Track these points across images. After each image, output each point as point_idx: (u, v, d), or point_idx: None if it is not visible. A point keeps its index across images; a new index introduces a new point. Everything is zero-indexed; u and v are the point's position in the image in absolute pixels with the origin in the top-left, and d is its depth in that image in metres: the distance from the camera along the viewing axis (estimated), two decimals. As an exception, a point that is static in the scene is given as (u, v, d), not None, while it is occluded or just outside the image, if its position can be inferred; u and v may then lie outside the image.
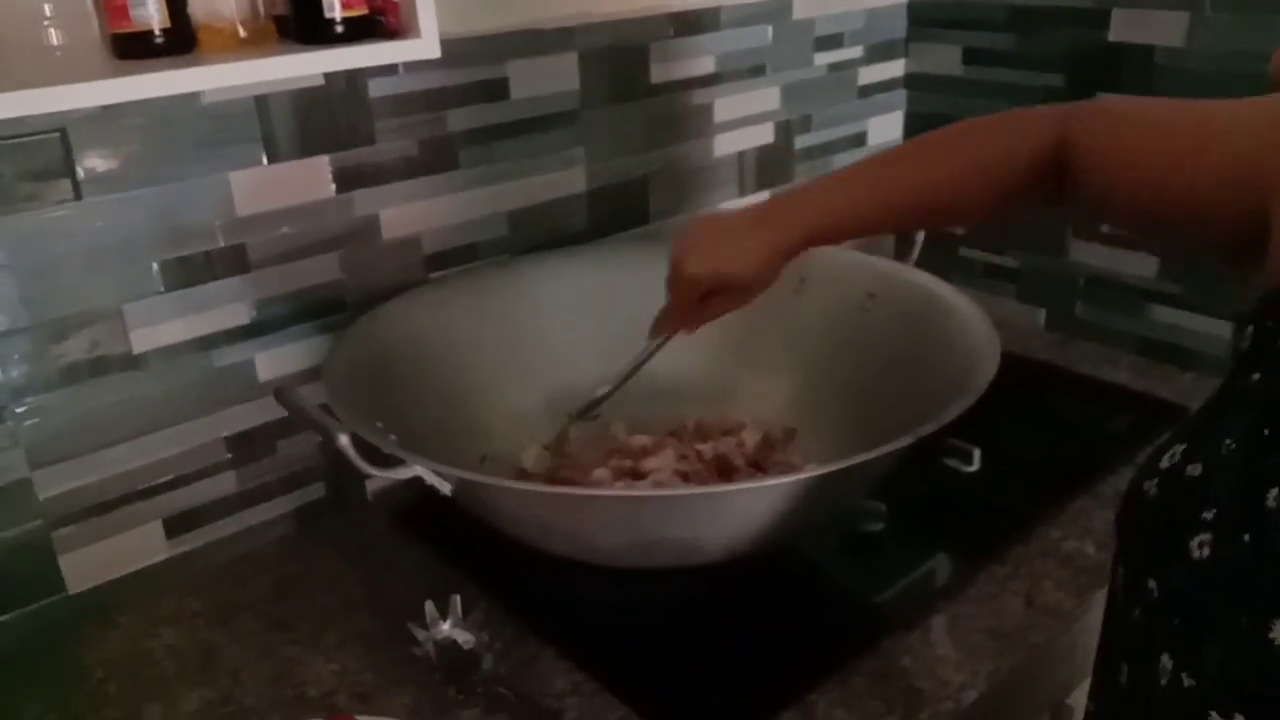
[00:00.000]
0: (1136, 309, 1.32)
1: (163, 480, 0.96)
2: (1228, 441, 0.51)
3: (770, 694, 0.80)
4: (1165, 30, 1.19)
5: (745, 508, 0.76)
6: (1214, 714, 0.48)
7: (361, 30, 0.85)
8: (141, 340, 0.91)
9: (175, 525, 0.97)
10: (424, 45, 0.85)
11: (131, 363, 0.91)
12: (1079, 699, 0.96)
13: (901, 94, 1.49)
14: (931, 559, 0.98)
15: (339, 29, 0.84)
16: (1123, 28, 1.23)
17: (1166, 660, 0.51)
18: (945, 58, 1.43)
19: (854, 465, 0.72)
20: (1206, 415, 0.55)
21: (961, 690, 0.81)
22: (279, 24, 0.87)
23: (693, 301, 0.85)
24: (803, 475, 0.72)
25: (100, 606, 0.94)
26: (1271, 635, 0.45)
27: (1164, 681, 0.51)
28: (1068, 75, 1.30)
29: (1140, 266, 1.30)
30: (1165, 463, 0.54)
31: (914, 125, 1.51)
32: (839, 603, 0.93)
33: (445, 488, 0.76)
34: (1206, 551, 0.49)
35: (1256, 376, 0.53)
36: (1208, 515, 0.50)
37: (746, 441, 1.02)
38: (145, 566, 0.97)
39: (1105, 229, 1.31)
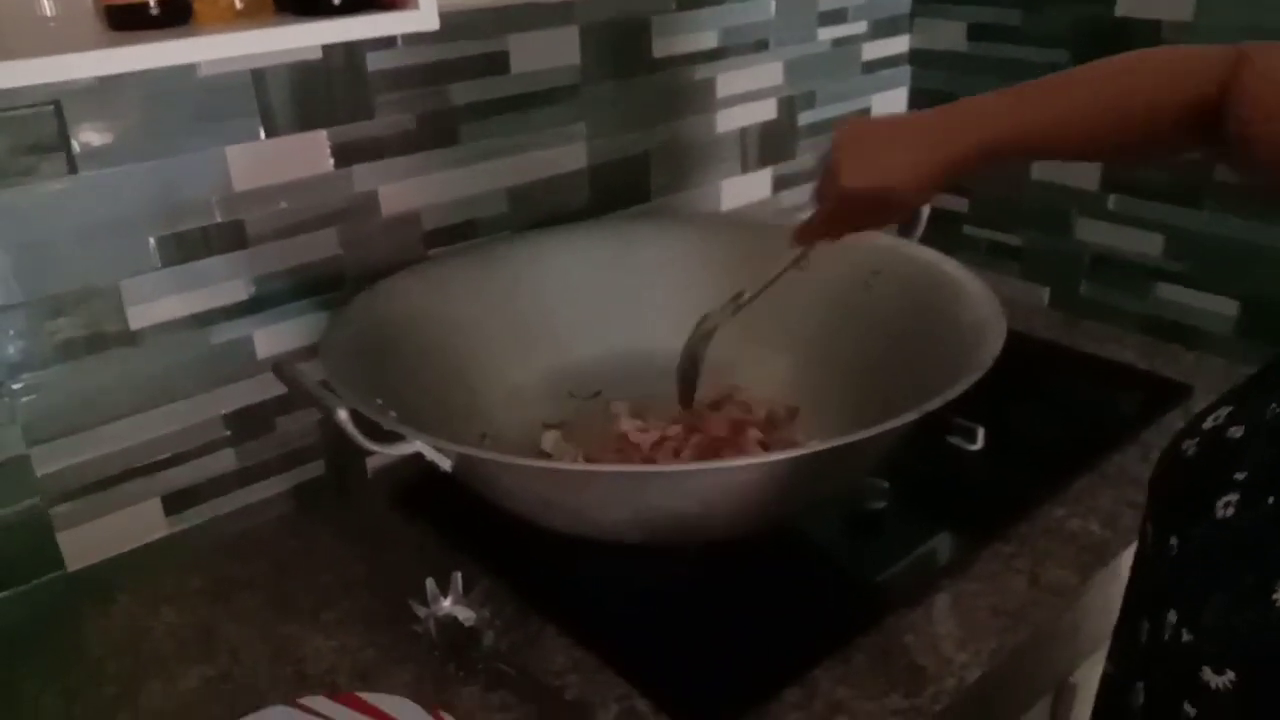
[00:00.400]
0: (1142, 288, 1.31)
1: (161, 458, 0.95)
2: (1274, 406, 0.51)
3: (773, 671, 0.80)
4: (1173, 4, 1.18)
5: (749, 483, 0.76)
6: (1206, 669, 0.49)
7: (358, 2, 0.84)
8: (139, 316, 0.90)
9: (174, 503, 0.97)
10: (422, 17, 0.84)
11: (129, 339, 0.90)
12: (1082, 676, 0.96)
13: (906, 70, 1.48)
14: (935, 537, 0.97)
15: (336, 1, 0.83)
16: (1130, 2, 1.22)
17: (1172, 615, 0.52)
18: (950, 33, 1.42)
19: (858, 441, 0.71)
20: (1258, 379, 0.55)
21: (965, 668, 0.80)
22: (275, -3, 0.86)
23: (844, 215, 0.79)
24: (807, 450, 0.72)
25: (99, 584, 0.93)
26: (1275, 596, 0.46)
27: (1166, 636, 0.52)
28: (1074, 51, 1.29)
29: (1145, 245, 1.29)
30: (1209, 424, 0.54)
31: (917, 101, 1.49)
32: (842, 580, 0.92)
33: (445, 464, 0.75)
34: (1231, 511, 0.50)
35: None
36: (1239, 476, 0.50)
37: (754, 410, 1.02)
38: (144, 544, 0.96)
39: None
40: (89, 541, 0.93)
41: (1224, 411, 0.55)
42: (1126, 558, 0.94)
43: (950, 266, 0.97)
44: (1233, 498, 0.50)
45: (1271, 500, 0.48)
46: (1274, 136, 0.62)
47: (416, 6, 0.84)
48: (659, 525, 0.78)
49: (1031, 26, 1.32)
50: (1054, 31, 1.30)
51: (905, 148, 0.75)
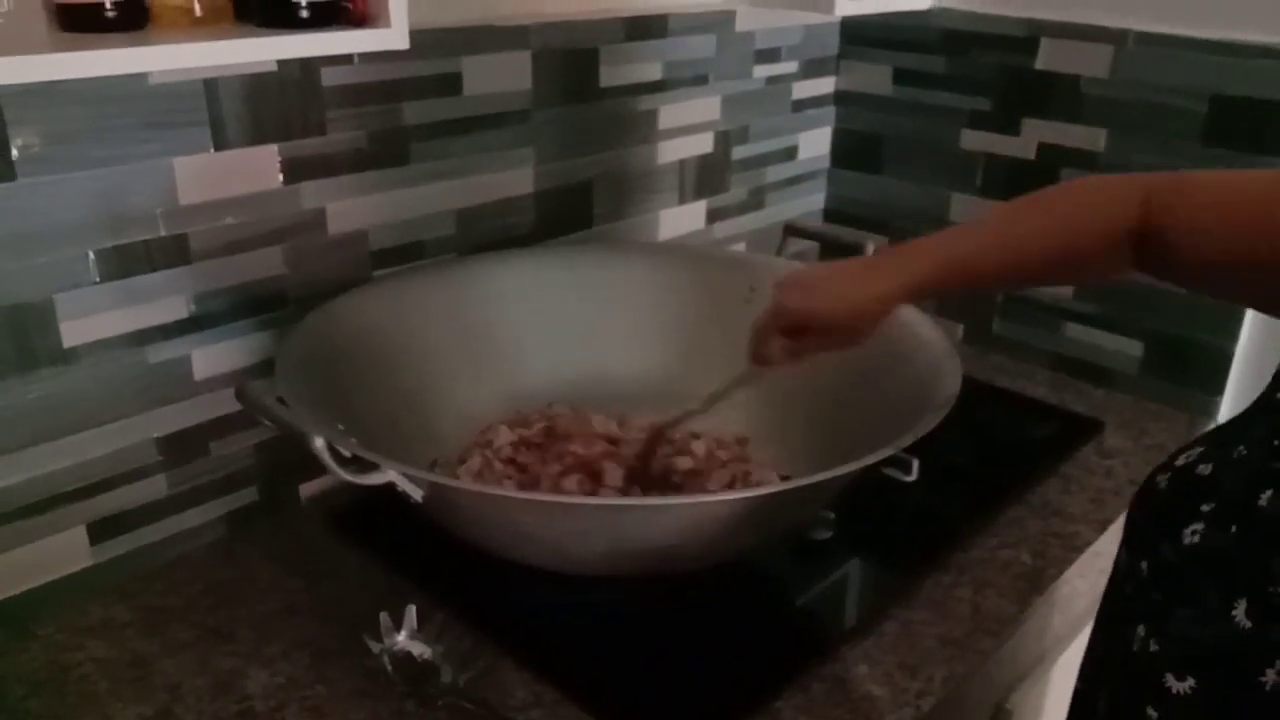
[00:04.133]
0: (1052, 325, 1.38)
1: (89, 483, 0.90)
2: (1241, 448, 0.57)
3: (734, 702, 0.80)
4: (1090, 61, 1.25)
5: (728, 516, 0.76)
6: (1170, 676, 0.54)
7: (326, 16, 0.81)
8: (73, 333, 0.85)
9: (99, 531, 0.92)
10: (393, 35, 0.83)
11: (61, 357, 0.85)
12: (1017, 701, 0.99)
13: (831, 110, 1.52)
14: (880, 567, 1.00)
15: (304, 14, 0.80)
16: (1050, 57, 1.29)
17: (1141, 629, 0.57)
18: (875, 76, 1.47)
19: (838, 475, 0.73)
20: (1232, 424, 0.61)
21: (920, 697, 0.83)
22: (235, 3, 0.83)
23: (781, 333, 0.86)
24: (793, 484, 0.73)
25: (17, 617, 0.87)
26: (1234, 612, 0.51)
27: (1135, 648, 0.57)
28: (995, 100, 1.35)
29: (1056, 286, 1.36)
30: (1181, 460, 0.60)
31: (841, 141, 1.54)
32: (795, 610, 0.93)
33: (417, 494, 0.73)
34: (1197, 538, 0.55)
35: (1279, 395, 0.57)
36: (1206, 508, 0.56)
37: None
38: (65, 575, 0.90)
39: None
40: (6, 572, 0.87)
41: (1196, 451, 0.60)
42: (1059, 586, 0.99)
43: (901, 308, 1.00)
44: (1199, 526, 0.55)
45: (1234, 528, 0.54)
46: (1196, 258, 0.69)
47: (388, 24, 0.82)
48: (632, 558, 0.78)
49: (955, 74, 1.38)
50: (977, 80, 1.36)
51: (845, 279, 0.84)
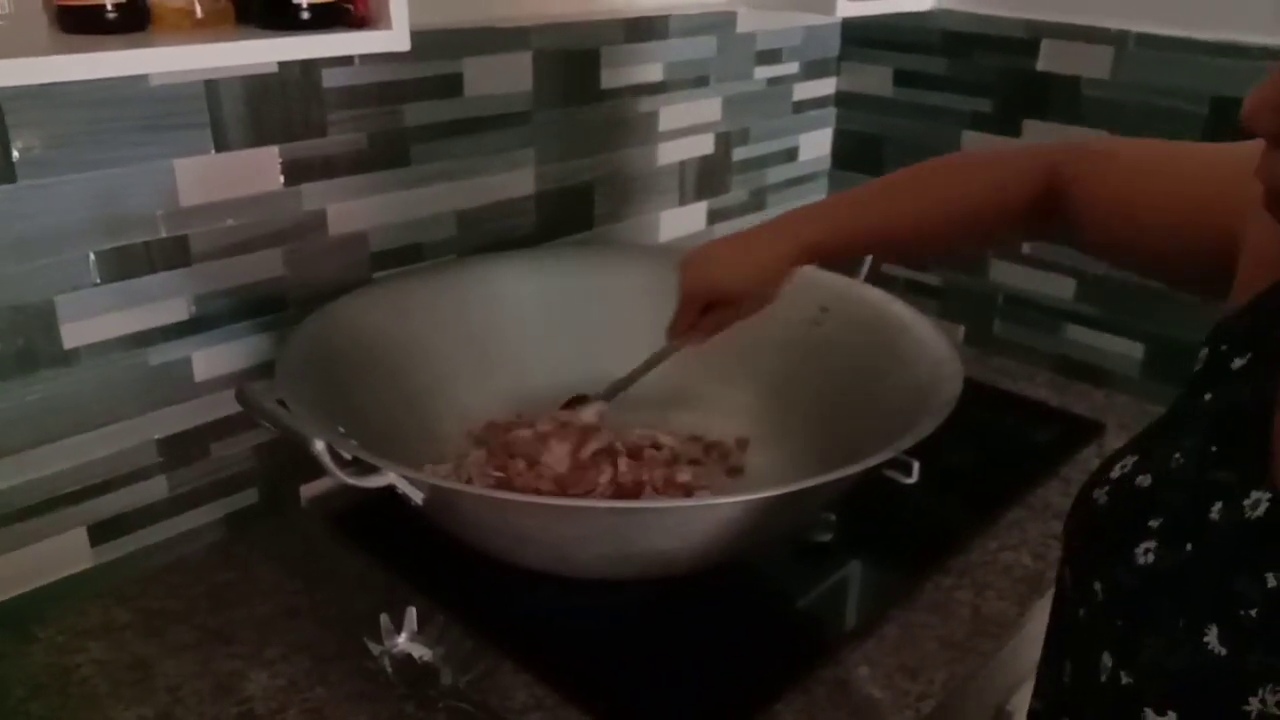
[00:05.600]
0: (1053, 328, 1.38)
1: (90, 484, 0.90)
2: (1177, 456, 0.54)
3: (735, 705, 0.80)
4: (1091, 62, 1.25)
5: (729, 519, 0.76)
6: (1149, 711, 0.51)
7: (328, 18, 0.81)
8: (73, 335, 0.85)
9: (100, 532, 0.92)
10: (394, 37, 0.83)
11: (61, 358, 0.85)
12: (1018, 703, 0.99)
13: (831, 111, 1.52)
14: (881, 569, 1.00)
15: (305, 15, 0.80)
16: (1051, 58, 1.28)
17: (1107, 659, 0.54)
18: (876, 78, 1.47)
19: (841, 477, 0.73)
20: (1159, 430, 0.58)
21: (920, 700, 0.82)
22: (236, 5, 0.83)
23: (694, 313, 0.89)
24: (793, 487, 0.73)
25: (17, 619, 0.87)
26: (1206, 639, 0.48)
27: (1104, 679, 0.54)
28: (996, 101, 1.35)
29: (1057, 287, 1.35)
30: (1116, 472, 0.57)
31: (842, 143, 1.54)
32: (796, 612, 0.93)
33: (418, 497, 0.73)
34: (1151, 558, 0.52)
35: (1208, 396, 0.55)
36: (1154, 524, 0.53)
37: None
38: (66, 576, 0.90)
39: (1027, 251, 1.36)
40: (8, 574, 0.87)
41: (1130, 460, 0.57)
42: (1059, 589, 0.98)
43: (898, 307, 1.00)
44: (1151, 544, 0.52)
45: (1190, 547, 0.51)
46: (1094, 222, 0.72)
47: (389, 25, 0.82)
48: (633, 560, 0.78)
49: (956, 75, 1.38)
50: (977, 81, 1.36)
51: (738, 249, 0.88)
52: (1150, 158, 0.71)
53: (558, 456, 0.93)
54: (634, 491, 0.92)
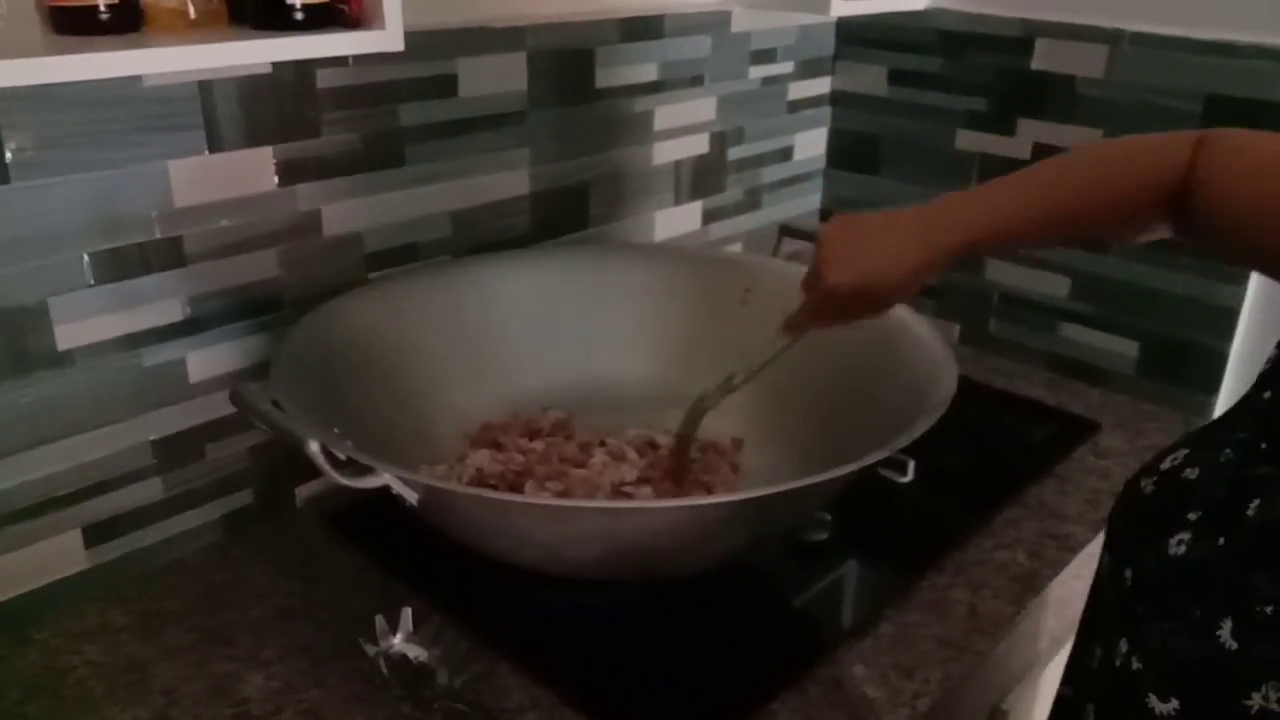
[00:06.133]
0: (1048, 326, 1.38)
1: (84, 486, 0.89)
2: (1227, 450, 0.55)
3: (731, 704, 0.80)
4: (1086, 61, 1.25)
5: (724, 518, 0.76)
6: (1153, 696, 0.52)
7: (322, 18, 0.81)
8: (67, 336, 0.85)
9: (95, 534, 0.91)
10: (387, 37, 0.83)
11: (56, 360, 0.85)
12: (1013, 702, 0.99)
13: (827, 110, 1.52)
14: (876, 568, 1.00)
15: (299, 16, 0.80)
16: (1046, 57, 1.29)
17: (1123, 644, 0.55)
18: (871, 77, 1.47)
19: (836, 476, 0.73)
20: (1215, 425, 0.59)
21: (916, 698, 0.83)
22: (230, 6, 0.83)
23: (829, 307, 0.81)
24: (788, 486, 0.73)
25: (12, 621, 0.87)
26: (1219, 632, 0.49)
27: (1118, 663, 0.55)
28: (991, 100, 1.35)
29: (1052, 286, 1.36)
30: (1166, 464, 0.58)
31: (837, 142, 1.54)
32: (792, 611, 0.93)
33: (412, 497, 0.73)
34: (1183, 549, 0.53)
35: (1267, 395, 0.56)
36: (1192, 516, 0.53)
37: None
38: (61, 578, 0.90)
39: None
40: (2, 576, 0.87)
41: (1181, 453, 0.58)
42: (1055, 587, 0.99)
43: (897, 307, 1.00)
44: (1185, 536, 0.53)
45: (1221, 541, 0.52)
46: (1232, 214, 0.67)
47: (384, 27, 0.82)
48: (629, 560, 0.78)
49: (951, 74, 1.38)
50: (973, 80, 1.36)
51: (890, 245, 0.77)
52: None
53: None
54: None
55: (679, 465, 0.97)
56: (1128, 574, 0.57)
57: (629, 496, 0.93)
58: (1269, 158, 0.66)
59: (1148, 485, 0.59)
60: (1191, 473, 0.56)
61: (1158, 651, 0.53)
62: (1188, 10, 1.17)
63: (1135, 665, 0.54)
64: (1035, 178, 0.77)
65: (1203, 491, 0.55)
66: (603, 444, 1.01)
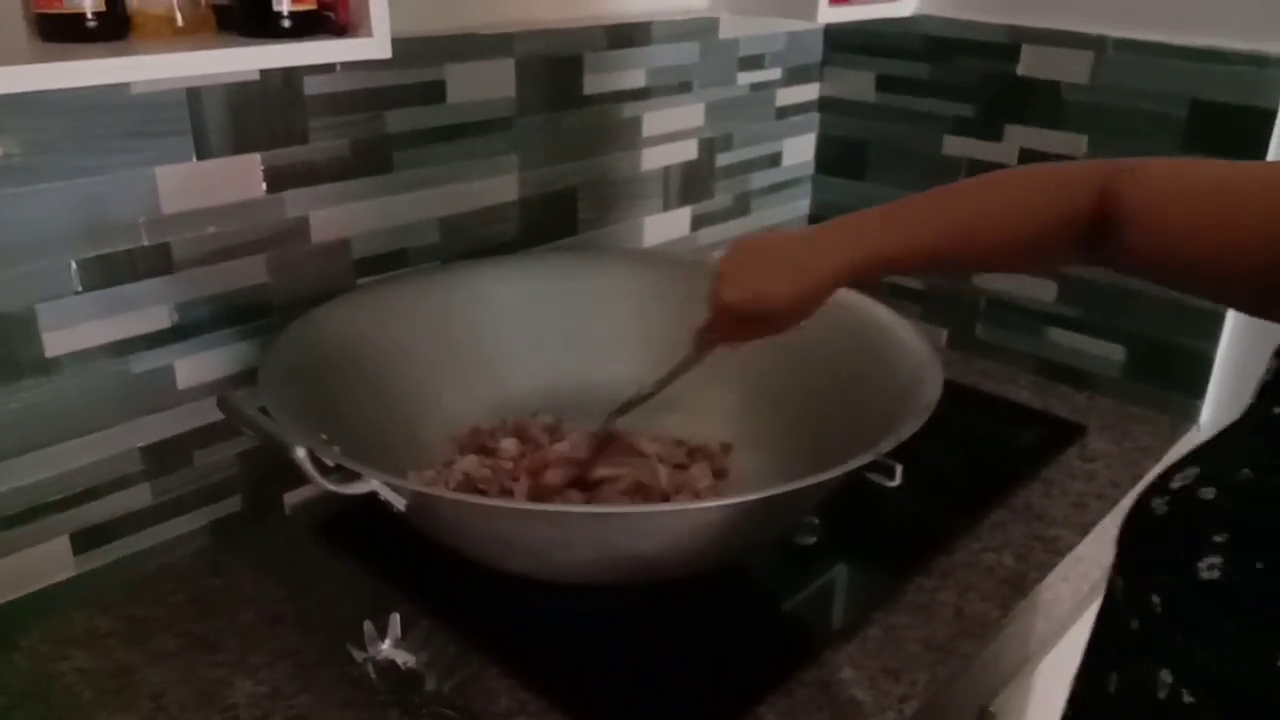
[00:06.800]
0: (1035, 330, 1.39)
1: (72, 493, 0.89)
2: (1244, 470, 0.53)
3: (718, 707, 0.81)
4: (1071, 67, 1.26)
5: (712, 523, 0.77)
6: None
7: (309, 26, 0.82)
8: (55, 343, 0.85)
9: (83, 541, 0.91)
10: (375, 44, 0.83)
11: (43, 367, 0.85)
12: (1000, 705, 1.00)
13: (815, 117, 1.53)
14: (864, 571, 1.00)
15: (286, 23, 0.80)
16: (1032, 63, 1.29)
17: (1166, 675, 0.52)
18: (859, 83, 1.48)
19: (822, 481, 0.73)
20: (1223, 440, 0.57)
21: (903, 701, 0.83)
22: (218, 13, 0.83)
23: (729, 325, 0.83)
24: (776, 490, 0.73)
25: (1, 628, 0.87)
26: (1278, 661, 0.47)
27: (1162, 695, 0.53)
28: (978, 106, 1.36)
29: (1039, 290, 1.36)
30: (1177, 483, 0.56)
31: (825, 147, 1.54)
32: (779, 614, 0.94)
33: (400, 503, 0.73)
34: (1217, 574, 0.51)
35: (1277, 410, 0.55)
36: (1219, 539, 0.51)
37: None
38: (49, 585, 0.90)
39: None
40: (-11, 583, 0.87)
41: (1192, 472, 0.56)
42: (1042, 590, 0.99)
43: (881, 312, 1.01)
44: (1216, 560, 0.51)
45: (1260, 565, 0.50)
46: (1154, 247, 0.68)
47: (370, 33, 0.82)
48: (617, 565, 0.79)
49: (938, 80, 1.39)
50: (959, 86, 1.37)
51: (782, 265, 0.79)
52: (1213, 178, 0.68)
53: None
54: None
55: (586, 468, 0.97)
56: (1155, 600, 0.55)
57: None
58: (1206, 184, 0.66)
59: (1160, 506, 0.56)
60: (1207, 492, 0.54)
61: (1212, 682, 0.51)
62: (1171, 16, 1.18)
63: (1187, 699, 0.52)
64: (943, 198, 0.78)
65: (1225, 511, 0.53)
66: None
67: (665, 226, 1.36)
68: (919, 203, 0.78)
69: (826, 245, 0.79)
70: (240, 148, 0.92)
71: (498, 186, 1.14)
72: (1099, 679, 0.59)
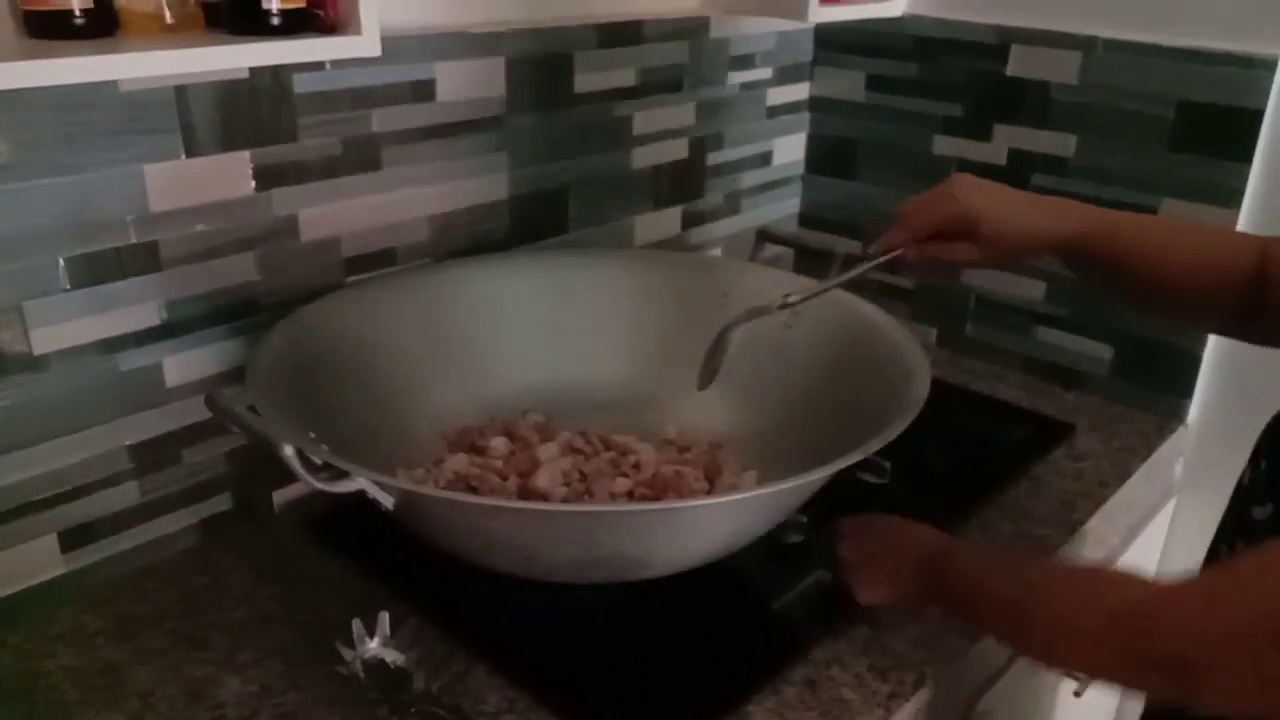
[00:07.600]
0: (1024, 330, 1.39)
1: (60, 491, 0.89)
2: None
3: (706, 705, 0.81)
4: (1060, 67, 1.26)
5: (700, 522, 0.77)
6: None
7: (298, 23, 0.81)
8: (43, 340, 0.85)
9: (71, 539, 0.91)
10: (364, 43, 0.83)
11: (31, 364, 0.85)
12: (989, 704, 1.00)
13: (805, 116, 1.53)
14: (852, 570, 1.00)
15: (275, 21, 0.80)
16: (1020, 63, 1.30)
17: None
18: (849, 83, 1.48)
19: (810, 480, 0.73)
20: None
21: (891, 699, 0.83)
22: (206, 11, 0.83)
23: (927, 222, 0.85)
24: (766, 489, 0.74)
25: (-14, 626, 0.87)
26: None
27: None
28: (967, 106, 1.36)
29: (1028, 290, 1.37)
30: None
31: (815, 147, 1.55)
32: (768, 613, 0.94)
33: (388, 502, 0.73)
34: None
35: None
36: None
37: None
38: (36, 583, 0.90)
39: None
40: (-25, 581, 0.86)
41: None
42: (1029, 588, 0.99)
43: (868, 310, 1.01)
44: None
45: None
46: None
47: (359, 32, 0.82)
48: (604, 564, 0.79)
49: (927, 80, 1.39)
50: (949, 85, 1.37)
51: (1016, 196, 0.85)
52: None
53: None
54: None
55: (708, 367, 0.96)
56: None
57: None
58: None
59: None
60: None
61: None
62: (1160, 17, 1.19)
63: None
64: (1149, 220, 0.87)
65: None
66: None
67: (656, 225, 1.36)
68: (1129, 215, 0.86)
69: (1053, 209, 0.85)
70: (229, 145, 0.92)
71: (488, 185, 1.14)
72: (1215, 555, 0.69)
